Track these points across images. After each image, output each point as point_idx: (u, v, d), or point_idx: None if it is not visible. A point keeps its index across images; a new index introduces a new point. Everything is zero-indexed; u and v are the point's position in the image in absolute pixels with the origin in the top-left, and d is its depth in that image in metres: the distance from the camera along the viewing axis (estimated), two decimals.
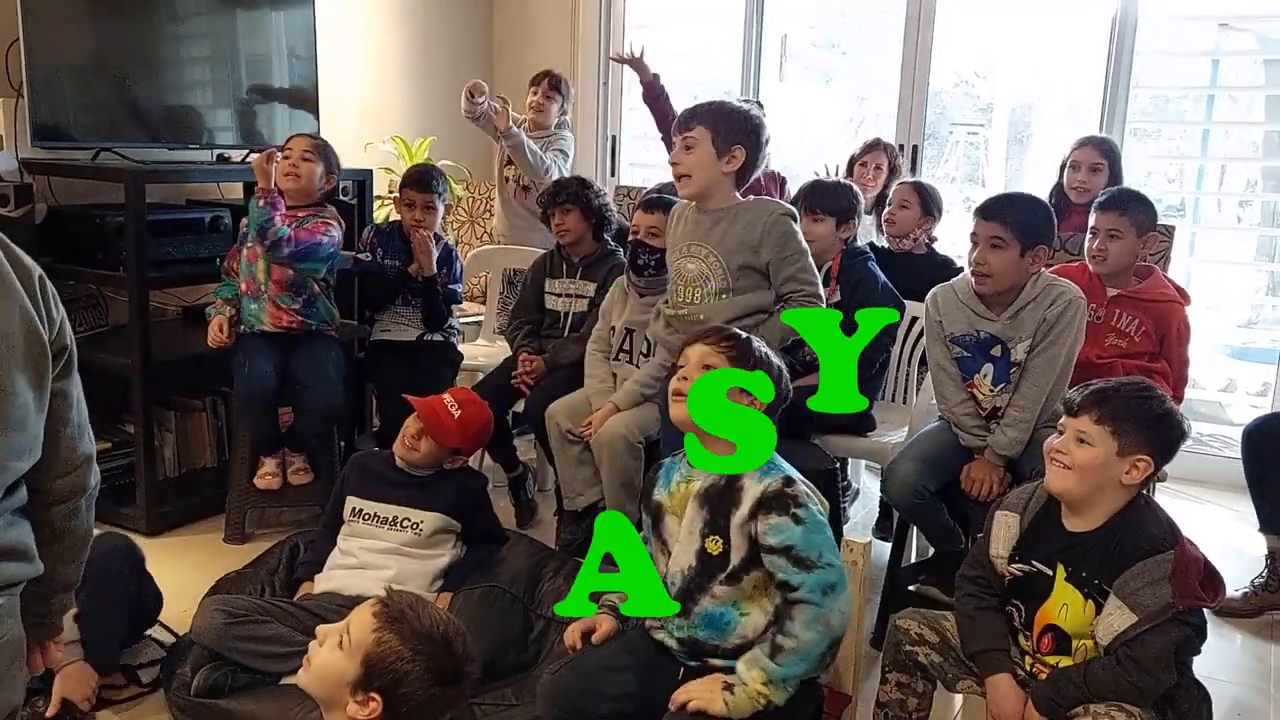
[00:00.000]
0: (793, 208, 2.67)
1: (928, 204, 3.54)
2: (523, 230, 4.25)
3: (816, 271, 2.64)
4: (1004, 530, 2.03)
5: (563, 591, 2.60)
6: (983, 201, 2.69)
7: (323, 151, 3.29)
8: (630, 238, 3.15)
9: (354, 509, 2.61)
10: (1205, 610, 1.86)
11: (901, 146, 4.41)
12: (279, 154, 3.24)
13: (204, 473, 3.70)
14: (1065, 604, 1.92)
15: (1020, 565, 1.99)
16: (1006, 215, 2.58)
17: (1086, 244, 3.07)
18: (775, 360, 2.00)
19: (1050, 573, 1.94)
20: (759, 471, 1.91)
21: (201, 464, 3.72)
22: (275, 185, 3.17)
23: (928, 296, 2.82)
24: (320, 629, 1.61)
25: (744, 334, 2.01)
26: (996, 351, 2.66)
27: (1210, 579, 1.84)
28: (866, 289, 3.14)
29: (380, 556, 2.52)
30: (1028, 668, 1.99)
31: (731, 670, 1.88)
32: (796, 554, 1.83)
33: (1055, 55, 5.15)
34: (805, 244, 2.63)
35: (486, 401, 3.37)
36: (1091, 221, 3.06)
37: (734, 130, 2.54)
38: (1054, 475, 1.93)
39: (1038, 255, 2.60)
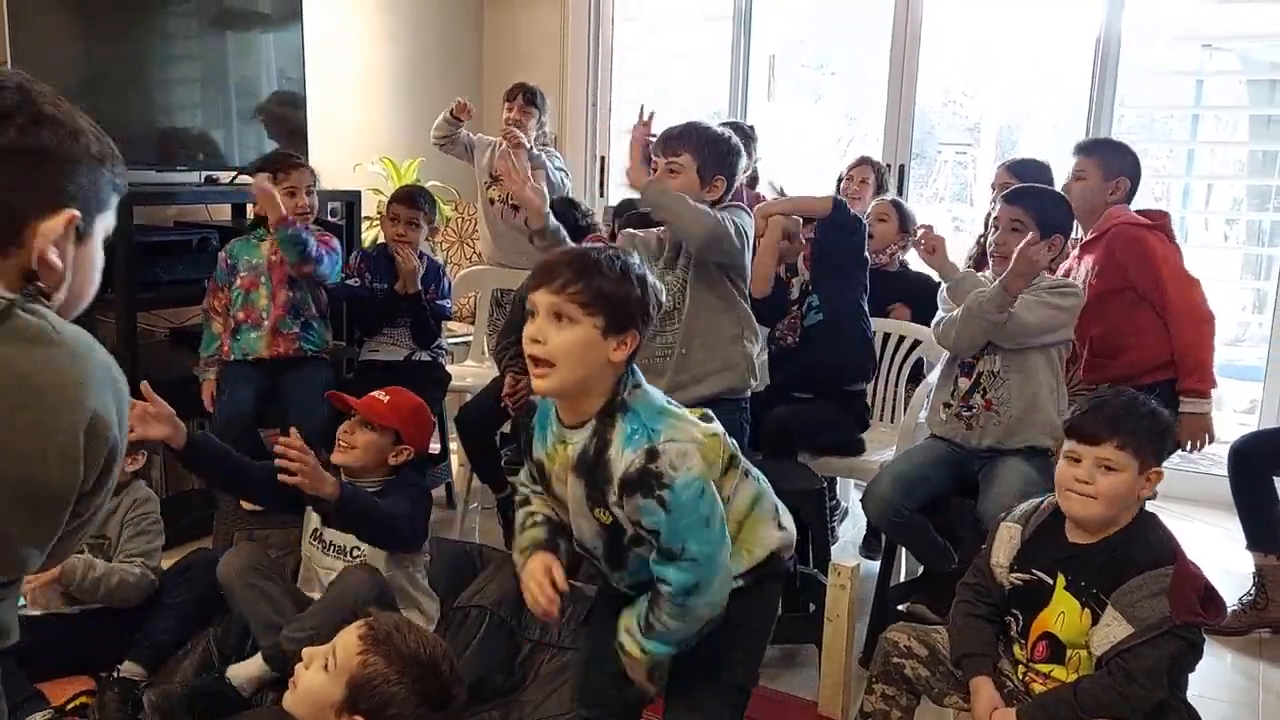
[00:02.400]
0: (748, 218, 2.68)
1: (905, 222, 3.58)
2: (510, 251, 4.24)
3: (734, 230, 2.56)
4: (1006, 540, 2.06)
5: None
6: (1009, 190, 2.79)
7: (315, 175, 3.34)
8: None
9: (314, 530, 2.54)
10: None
11: (889, 166, 4.43)
12: (276, 180, 3.24)
13: (191, 494, 3.68)
14: (1062, 612, 1.94)
15: (1020, 574, 2.01)
16: (1028, 201, 2.69)
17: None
18: (638, 272, 1.72)
19: (1051, 581, 1.97)
20: (624, 435, 1.67)
21: (189, 486, 3.70)
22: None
23: None
24: (306, 651, 1.61)
25: (592, 254, 1.71)
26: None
27: (1210, 599, 1.87)
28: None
29: None
30: (1019, 677, 2.00)
31: None
32: (662, 544, 1.67)
33: (1041, 75, 5.19)
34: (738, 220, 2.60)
35: (470, 419, 3.40)
36: (1071, 166, 3.10)
37: (719, 161, 2.57)
38: (1077, 504, 1.94)
39: (1054, 243, 2.66)
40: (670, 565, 1.67)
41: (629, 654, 1.75)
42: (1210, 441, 2.97)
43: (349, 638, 1.57)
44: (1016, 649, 2.02)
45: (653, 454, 1.63)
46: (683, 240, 2.58)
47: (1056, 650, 1.95)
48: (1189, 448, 2.96)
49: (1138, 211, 3.06)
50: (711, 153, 2.56)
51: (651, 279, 1.74)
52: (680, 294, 2.61)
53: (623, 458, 1.65)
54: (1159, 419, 1.97)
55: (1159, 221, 3.02)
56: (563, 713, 2.26)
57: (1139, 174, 3.06)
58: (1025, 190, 2.79)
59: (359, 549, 2.48)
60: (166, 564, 2.67)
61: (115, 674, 2.35)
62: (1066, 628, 1.93)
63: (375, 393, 2.56)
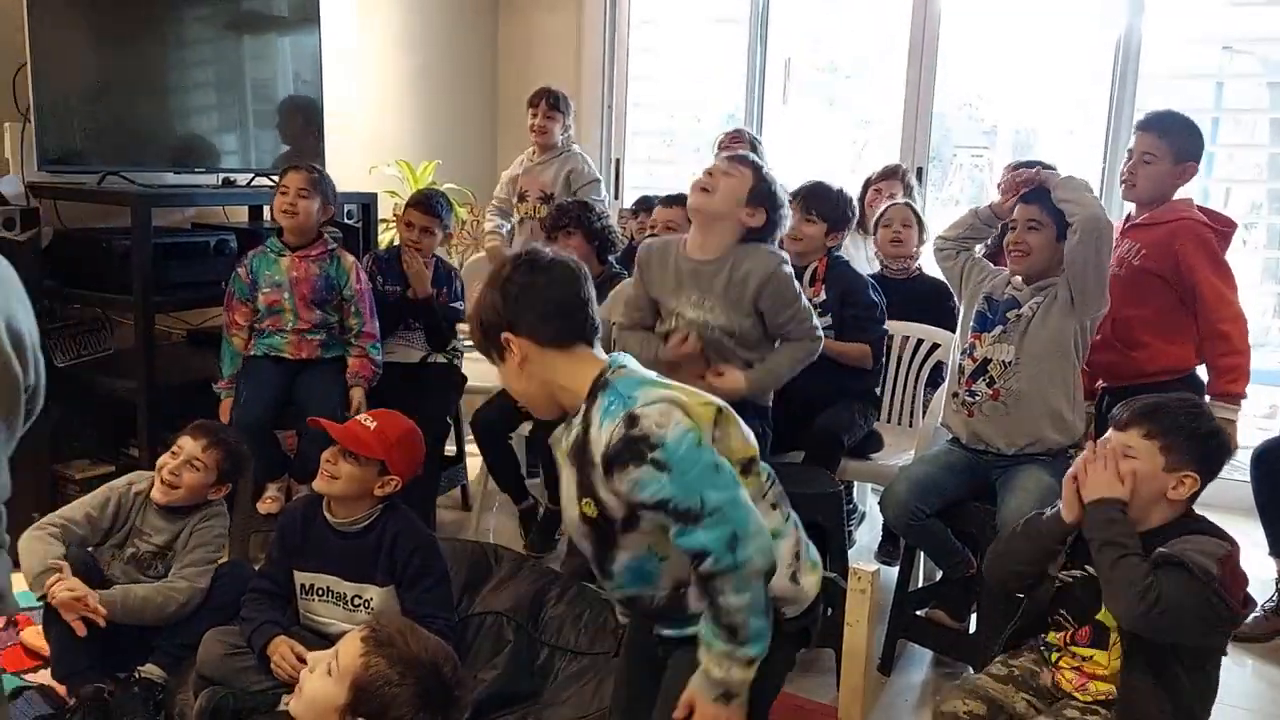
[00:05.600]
0: (784, 255, 2.68)
1: (922, 225, 3.57)
2: None
3: (812, 311, 2.70)
4: None
5: (565, 618, 2.58)
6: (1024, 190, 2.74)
7: (319, 185, 3.25)
8: (649, 230, 3.17)
9: (304, 585, 2.40)
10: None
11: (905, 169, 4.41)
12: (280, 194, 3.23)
13: None
14: None
15: (1072, 571, 1.98)
16: (1044, 199, 2.64)
17: (1121, 168, 3.01)
18: (504, 276, 1.70)
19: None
20: (602, 412, 1.61)
21: None
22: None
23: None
24: (310, 656, 1.61)
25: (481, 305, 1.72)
26: (1012, 315, 2.69)
27: (1246, 600, 1.85)
28: (856, 284, 3.18)
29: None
30: (1052, 661, 1.98)
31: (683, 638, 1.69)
32: (676, 508, 1.54)
33: (1060, 78, 5.16)
34: (799, 290, 2.67)
35: (486, 421, 3.37)
36: (1130, 144, 3.01)
37: (765, 195, 2.59)
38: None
39: None
40: (698, 529, 1.54)
41: (731, 680, 1.58)
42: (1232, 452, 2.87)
43: (352, 641, 1.57)
44: (1052, 636, 2.00)
45: (632, 419, 1.56)
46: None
47: (1100, 636, 1.93)
48: None
49: (1203, 210, 2.96)
50: (763, 184, 2.58)
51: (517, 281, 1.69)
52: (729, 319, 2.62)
53: (602, 433, 1.59)
54: (1199, 423, 1.92)
55: (1223, 227, 2.93)
56: (581, 716, 2.25)
57: (1201, 157, 2.95)
58: (1042, 189, 2.71)
59: (360, 597, 2.37)
60: None
61: (136, 675, 2.35)
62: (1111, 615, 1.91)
63: (362, 416, 2.41)
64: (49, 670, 2.46)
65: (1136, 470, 1.89)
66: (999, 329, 2.70)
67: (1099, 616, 1.92)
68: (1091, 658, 1.93)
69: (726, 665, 1.57)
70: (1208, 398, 2.79)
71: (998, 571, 2.10)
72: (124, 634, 2.37)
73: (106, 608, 2.29)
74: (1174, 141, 2.88)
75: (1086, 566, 1.96)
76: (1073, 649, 1.96)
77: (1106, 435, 1.98)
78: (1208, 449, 1.92)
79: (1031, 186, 2.67)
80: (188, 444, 2.58)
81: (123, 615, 2.34)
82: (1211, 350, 2.86)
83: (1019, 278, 2.73)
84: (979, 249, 2.96)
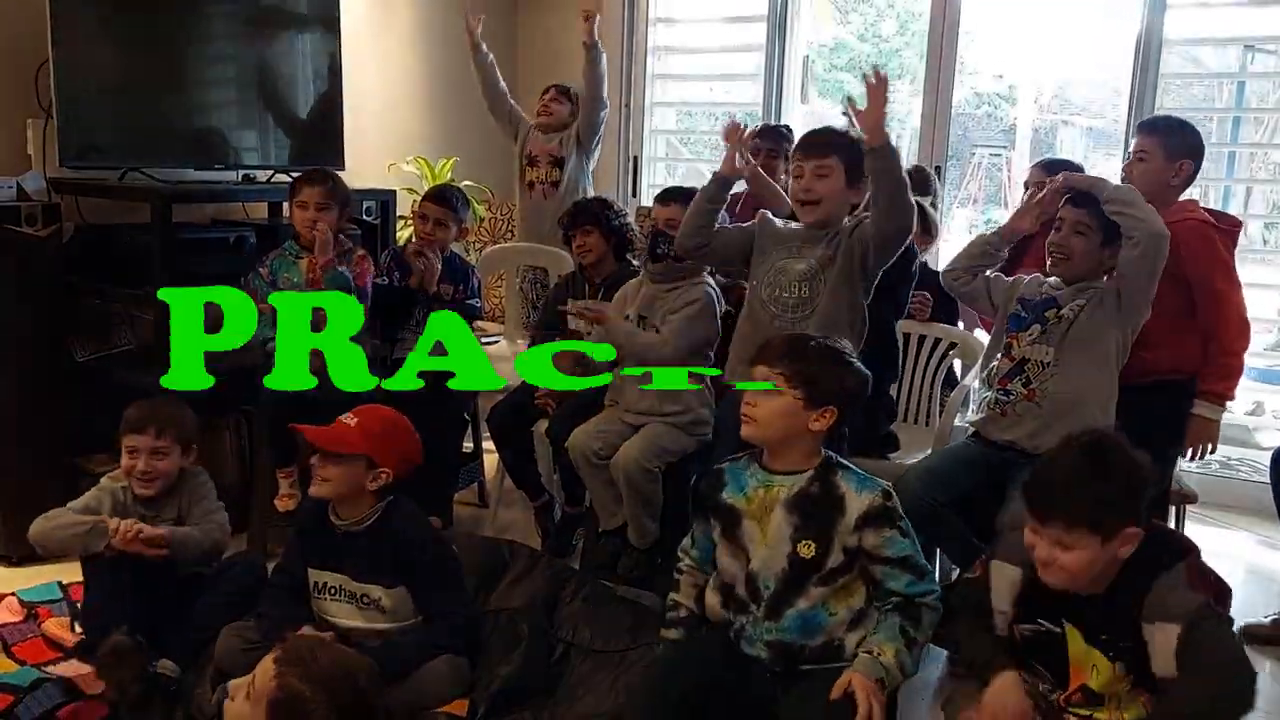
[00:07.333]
0: None
1: (927, 224, 3.53)
2: (549, 235, 4.13)
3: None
4: (1004, 581, 1.96)
5: (580, 615, 2.58)
6: (1074, 194, 2.71)
7: (334, 193, 3.27)
8: (651, 227, 3.18)
9: (318, 583, 2.41)
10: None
11: (921, 167, 4.39)
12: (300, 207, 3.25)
13: (226, 492, 3.67)
14: (1094, 665, 1.86)
15: (1029, 626, 1.93)
16: (1094, 204, 2.60)
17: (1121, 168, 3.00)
18: (846, 357, 2.12)
19: (1059, 630, 1.88)
20: (854, 483, 2.05)
21: (223, 483, 3.71)
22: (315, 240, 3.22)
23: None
24: (232, 684, 1.62)
25: (807, 343, 2.13)
26: (1051, 314, 2.66)
27: (1221, 596, 1.82)
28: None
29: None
30: (1054, 703, 1.93)
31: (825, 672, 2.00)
32: (912, 563, 2.01)
33: (1078, 77, 5.14)
34: None
35: (502, 418, 3.36)
36: (1131, 147, 3.02)
37: (861, 167, 2.59)
38: (1050, 578, 1.83)
39: (1116, 250, 2.61)
40: (923, 582, 2.02)
41: (892, 673, 1.97)
42: (1213, 451, 2.89)
43: (265, 664, 1.59)
44: (1042, 689, 1.93)
45: (888, 494, 2.04)
46: (885, 225, 2.56)
47: (1092, 697, 1.87)
48: (1192, 454, 2.87)
49: (1208, 211, 2.95)
50: (857, 159, 2.58)
51: (857, 364, 2.13)
52: (812, 286, 2.64)
53: (859, 498, 2.02)
54: (1119, 480, 1.79)
55: (1228, 226, 2.92)
56: (597, 713, 2.25)
57: (1202, 156, 2.93)
58: (1093, 196, 2.69)
59: (369, 597, 2.37)
60: None
61: (151, 670, 2.37)
62: (1099, 680, 1.85)
63: (344, 415, 2.37)
64: (78, 623, 2.59)
65: (1077, 560, 1.78)
66: (1037, 328, 2.67)
67: (1089, 684, 1.86)
68: (1092, 715, 1.88)
69: (898, 661, 1.97)
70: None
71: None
72: (156, 597, 2.46)
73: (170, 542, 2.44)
74: (1164, 139, 2.90)
75: (1040, 620, 1.90)
76: (1072, 710, 1.89)
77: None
78: (1139, 500, 1.81)
79: (1062, 200, 2.63)
80: (139, 440, 2.58)
81: (175, 546, 2.46)
82: (1206, 349, 2.86)
83: (1054, 278, 2.71)
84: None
